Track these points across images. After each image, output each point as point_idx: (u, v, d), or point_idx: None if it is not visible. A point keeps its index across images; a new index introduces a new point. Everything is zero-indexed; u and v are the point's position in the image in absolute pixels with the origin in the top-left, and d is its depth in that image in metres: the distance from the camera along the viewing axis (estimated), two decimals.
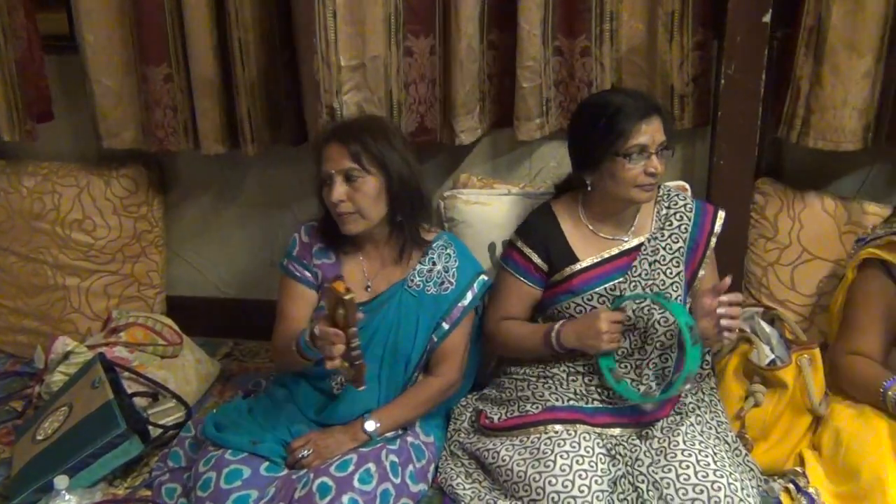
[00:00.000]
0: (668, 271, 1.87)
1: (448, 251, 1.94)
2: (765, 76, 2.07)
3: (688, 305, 1.90)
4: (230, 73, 2.31)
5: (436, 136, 2.28)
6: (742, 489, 1.61)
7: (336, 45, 2.11)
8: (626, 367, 1.86)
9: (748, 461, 1.80)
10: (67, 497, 1.72)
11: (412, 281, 1.91)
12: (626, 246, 1.89)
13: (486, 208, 2.21)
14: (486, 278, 1.97)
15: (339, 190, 1.79)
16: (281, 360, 1.94)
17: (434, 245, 1.94)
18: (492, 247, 2.18)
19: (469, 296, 1.93)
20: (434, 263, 1.92)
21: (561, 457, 1.68)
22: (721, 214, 1.94)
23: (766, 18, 2.03)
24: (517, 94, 2.20)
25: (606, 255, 1.89)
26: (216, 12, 2.27)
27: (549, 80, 2.21)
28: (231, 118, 2.38)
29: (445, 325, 1.91)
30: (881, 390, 1.75)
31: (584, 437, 1.73)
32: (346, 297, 1.58)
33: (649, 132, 1.75)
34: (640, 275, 1.86)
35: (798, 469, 1.82)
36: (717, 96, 2.15)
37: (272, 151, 2.48)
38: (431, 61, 2.22)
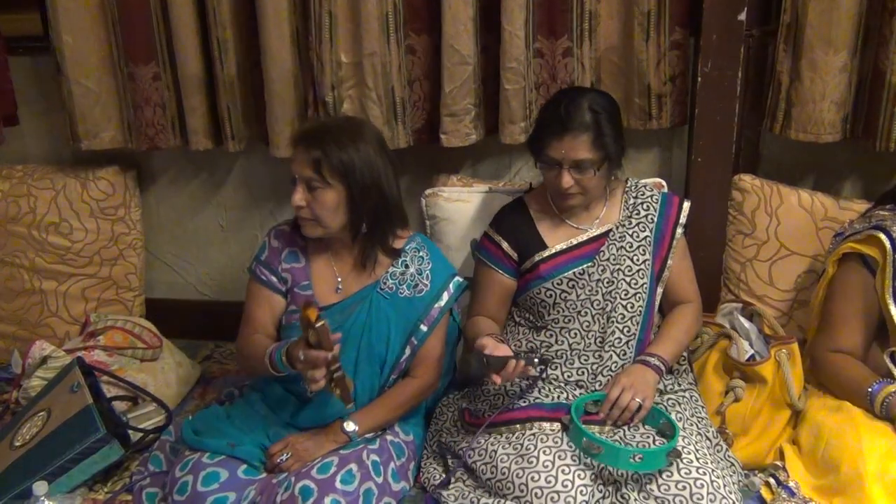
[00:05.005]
0: (635, 258, 1.92)
1: (421, 254, 1.93)
2: (741, 74, 2.09)
3: (657, 297, 1.95)
4: (213, 70, 2.34)
5: (437, 136, 2.28)
6: (724, 486, 1.62)
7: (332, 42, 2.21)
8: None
9: (729, 456, 1.81)
10: (47, 503, 1.70)
11: (385, 283, 1.90)
12: (595, 232, 1.95)
13: (467, 205, 2.24)
14: (460, 280, 1.97)
15: (299, 195, 1.79)
16: (247, 364, 1.91)
17: (406, 248, 1.93)
18: (474, 242, 2.19)
19: (445, 297, 1.93)
20: (407, 266, 1.91)
21: (544, 452, 1.68)
22: (686, 205, 1.99)
23: (742, 17, 2.05)
24: (501, 97, 2.22)
25: (575, 242, 1.94)
26: (199, 11, 2.29)
27: (530, 83, 2.22)
28: (216, 115, 2.40)
29: (424, 327, 1.90)
30: (868, 392, 1.76)
31: (566, 431, 1.74)
32: (318, 325, 1.56)
33: (561, 149, 1.81)
34: (608, 259, 1.92)
35: (778, 463, 1.84)
36: (694, 94, 2.16)
37: (250, 153, 2.48)
38: (434, 61, 2.23)
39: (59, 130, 2.58)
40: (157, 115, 2.43)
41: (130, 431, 2.04)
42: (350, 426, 1.82)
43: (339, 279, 1.92)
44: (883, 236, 1.84)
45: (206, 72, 2.36)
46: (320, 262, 1.93)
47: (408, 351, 1.91)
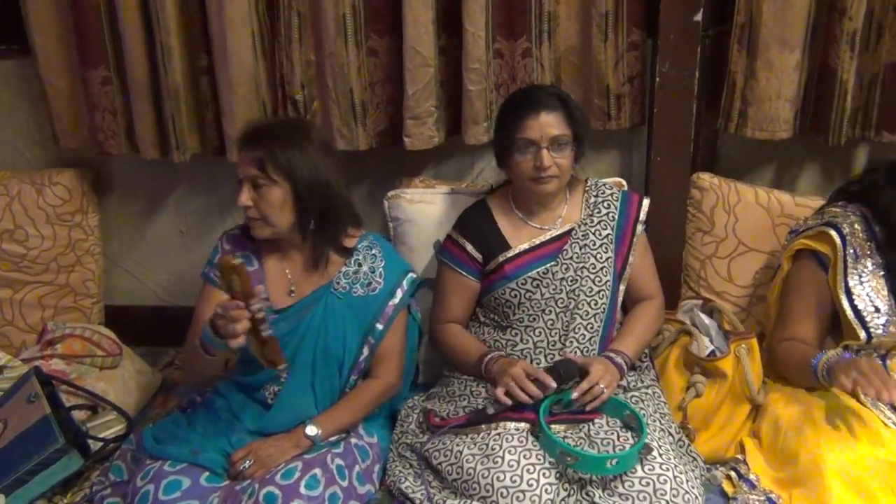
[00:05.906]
0: (598, 256, 1.95)
1: (373, 251, 1.93)
2: (698, 73, 2.12)
3: (620, 295, 1.97)
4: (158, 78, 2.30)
5: (400, 138, 2.28)
6: (687, 481, 1.64)
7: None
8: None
9: (691, 451, 1.83)
10: None
11: (338, 284, 1.89)
12: (557, 232, 1.97)
13: (430, 206, 2.24)
14: (414, 276, 1.96)
15: (245, 196, 1.78)
16: (189, 368, 1.85)
17: (359, 247, 1.92)
18: (437, 244, 2.19)
19: (399, 294, 1.92)
20: (360, 265, 1.91)
21: (509, 452, 1.69)
22: (646, 202, 2.03)
23: (698, 17, 2.08)
24: (464, 98, 2.22)
25: (538, 242, 1.96)
26: (146, 16, 2.25)
27: (491, 84, 2.23)
28: (163, 123, 2.36)
29: (380, 326, 1.89)
30: (811, 364, 1.78)
31: (532, 432, 1.75)
32: (235, 261, 1.54)
33: (536, 127, 1.83)
34: (571, 258, 1.94)
35: (739, 457, 1.86)
36: (652, 94, 2.19)
37: (210, 158, 2.45)
38: (397, 63, 2.23)
39: (12, 136, 2.53)
40: (106, 121, 2.38)
41: (90, 441, 2.00)
42: (312, 430, 1.80)
43: (292, 281, 1.90)
44: (834, 233, 1.88)
45: (153, 79, 2.31)
46: (272, 265, 1.91)
47: (366, 350, 1.90)
